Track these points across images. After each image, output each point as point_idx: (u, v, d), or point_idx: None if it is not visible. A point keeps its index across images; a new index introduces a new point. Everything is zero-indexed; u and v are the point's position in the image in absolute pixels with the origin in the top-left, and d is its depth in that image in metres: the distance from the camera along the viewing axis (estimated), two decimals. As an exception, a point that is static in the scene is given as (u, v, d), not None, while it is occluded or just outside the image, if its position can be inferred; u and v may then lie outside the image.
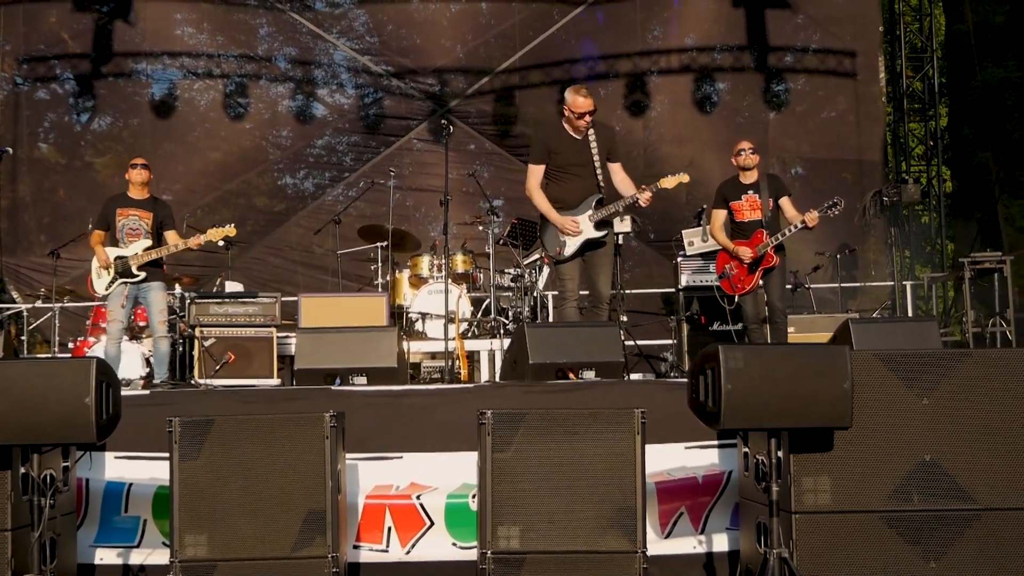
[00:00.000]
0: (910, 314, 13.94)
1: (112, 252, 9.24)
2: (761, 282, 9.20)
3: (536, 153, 8.70)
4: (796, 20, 15.70)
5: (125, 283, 9.22)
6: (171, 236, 9.45)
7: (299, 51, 16.20)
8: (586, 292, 8.75)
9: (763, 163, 9.71)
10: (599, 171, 8.51)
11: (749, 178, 9.38)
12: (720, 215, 9.53)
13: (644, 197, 8.34)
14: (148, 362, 10.19)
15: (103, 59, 15.50)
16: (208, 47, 15.94)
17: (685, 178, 8.62)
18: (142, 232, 9.32)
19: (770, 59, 15.62)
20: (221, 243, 9.95)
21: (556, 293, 9.02)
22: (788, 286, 10.46)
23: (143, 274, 9.23)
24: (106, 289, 9.27)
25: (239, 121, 15.97)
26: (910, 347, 6.41)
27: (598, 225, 8.43)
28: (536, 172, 8.60)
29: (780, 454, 5.10)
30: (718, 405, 4.87)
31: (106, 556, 6.03)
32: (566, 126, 8.58)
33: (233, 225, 9.54)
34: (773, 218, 9.26)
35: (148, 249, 9.25)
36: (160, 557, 5.75)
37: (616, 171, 8.66)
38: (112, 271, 9.21)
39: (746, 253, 9.18)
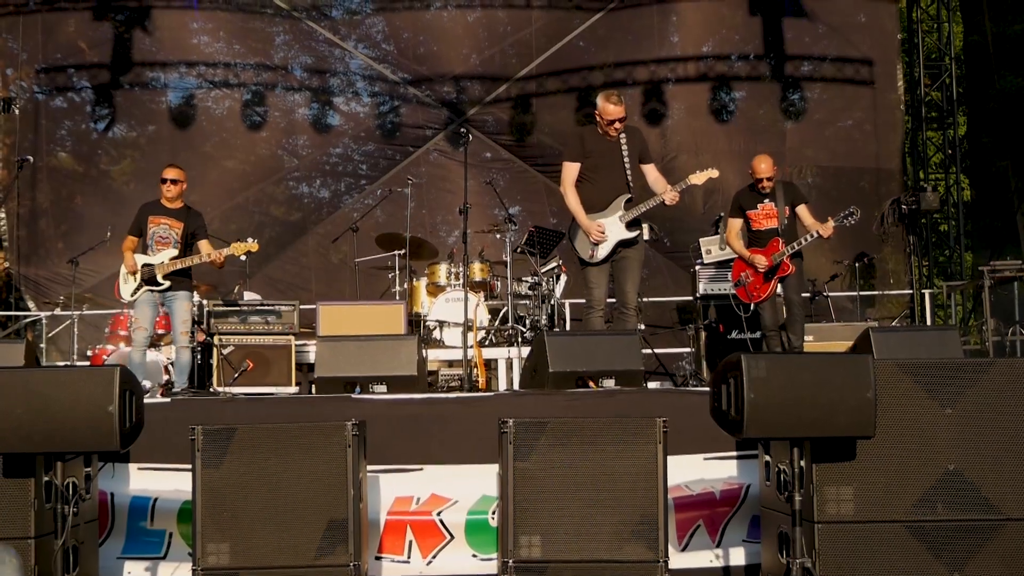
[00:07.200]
0: (929, 322, 13.89)
1: (140, 259, 9.28)
2: (779, 290, 9.20)
3: (572, 150, 8.67)
4: (813, 29, 15.62)
5: (151, 291, 9.26)
6: (203, 246, 9.46)
7: (315, 59, 16.18)
8: (612, 299, 8.74)
9: (780, 172, 9.69)
10: (629, 173, 8.50)
11: (765, 187, 9.37)
12: (736, 224, 9.53)
13: (670, 196, 8.33)
14: (167, 370, 10.21)
15: (121, 68, 15.49)
16: (225, 56, 15.91)
17: (715, 173, 8.58)
18: (171, 241, 9.35)
19: (787, 68, 15.55)
20: (243, 258, 9.94)
21: (582, 301, 8.96)
22: (805, 294, 10.43)
23: (168, 283, 9.26)
24: (132, 295, 9.31)
25: (256, 130, 15.93)
26: (931, 356, 6.37)
27: (629, 225, 8.43)
28: (571, 169, 8.57)
29: (803, 463, 5.09)
30: (741, 414, 4.86)
31: (133, 569, 6.10)
32: (598, 129, 8.59)
33: (255, 240, 9.54)
34: (790, 226, 9.26)
35: (174, 259, 9.27)
36: (186, 570, 5.79)
37: (650, 171, 8.67)
38: (138, 278, 9.25)
39: (761, 261, 9.18)
